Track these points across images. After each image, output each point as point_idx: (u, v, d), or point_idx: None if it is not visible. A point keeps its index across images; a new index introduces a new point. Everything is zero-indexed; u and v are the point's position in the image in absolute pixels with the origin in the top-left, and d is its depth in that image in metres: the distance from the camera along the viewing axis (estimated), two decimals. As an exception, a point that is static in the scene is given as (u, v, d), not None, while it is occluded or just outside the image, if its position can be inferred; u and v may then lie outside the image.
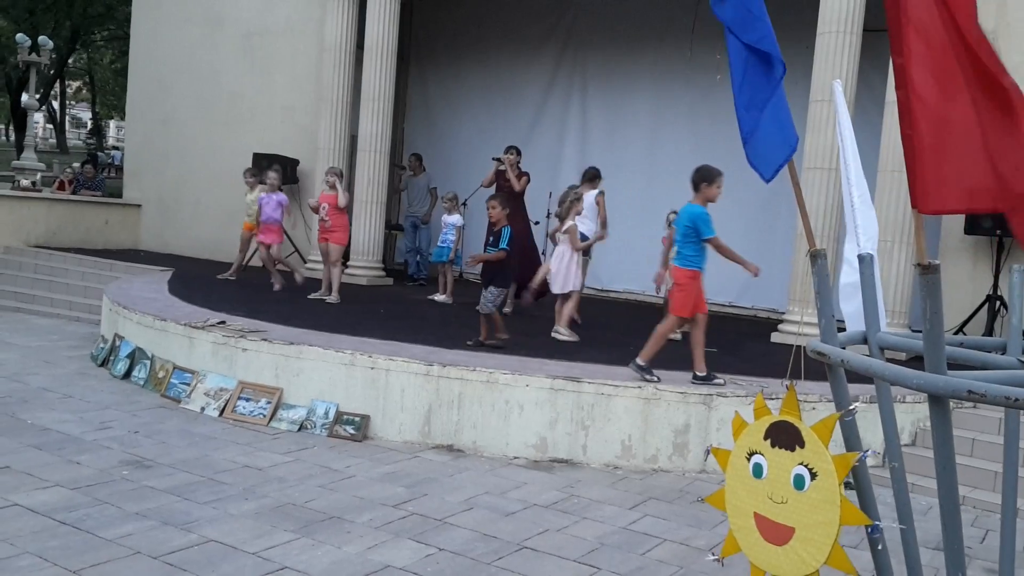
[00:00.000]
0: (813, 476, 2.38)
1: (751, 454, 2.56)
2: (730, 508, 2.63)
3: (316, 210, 9.39)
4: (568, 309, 7.73)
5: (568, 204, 7.67)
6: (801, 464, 2.41)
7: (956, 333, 7.78)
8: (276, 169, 10.24)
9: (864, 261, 2.92)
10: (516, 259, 7.86)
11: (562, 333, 7.63)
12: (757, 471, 2.53)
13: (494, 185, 9.72)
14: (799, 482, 2.41)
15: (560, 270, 7.61)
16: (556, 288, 7.69)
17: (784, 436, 2.46)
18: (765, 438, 2.52)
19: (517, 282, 8.77)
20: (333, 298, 9.06)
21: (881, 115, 8.05)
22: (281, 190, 10.01)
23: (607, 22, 12.41)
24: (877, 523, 2.44)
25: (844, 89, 7.18)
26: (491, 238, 7.22)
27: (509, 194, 9.06)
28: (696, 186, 6.08)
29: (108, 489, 4.72)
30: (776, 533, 2.46)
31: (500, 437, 5.96)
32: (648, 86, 12.09)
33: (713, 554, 2.80)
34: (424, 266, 11.89)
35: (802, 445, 2.41)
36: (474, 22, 13.59)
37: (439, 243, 10.21)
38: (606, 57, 12.45)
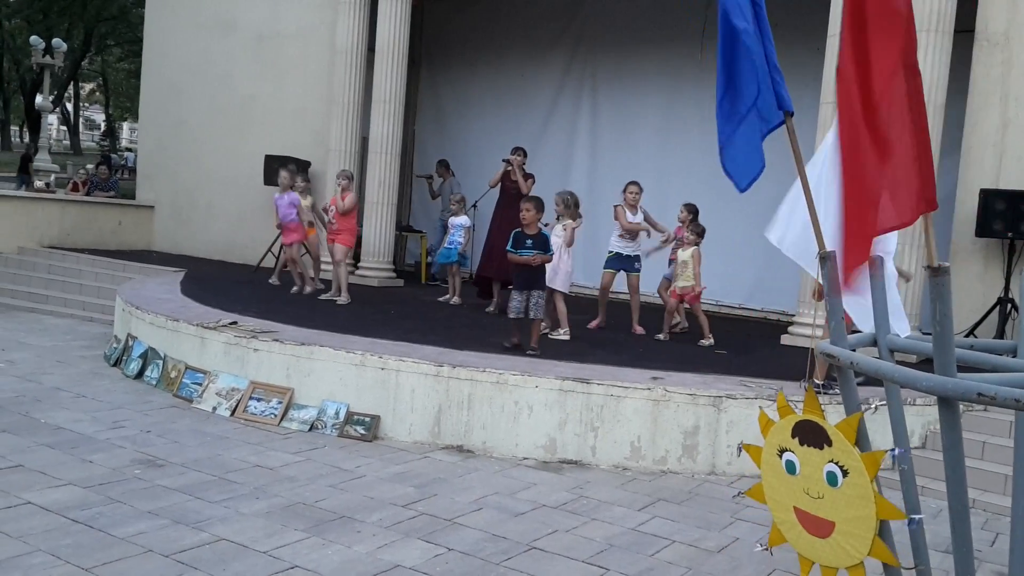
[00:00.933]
0: (845, 473, 2.40)
1: (782, 451, 2.60)
2: (770, 502, 2.69)
3: (326, 211, 9.52)
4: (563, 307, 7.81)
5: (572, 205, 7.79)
6: (832, 462, 2.44)
7: (967, 336, 7.74)
8: (290, 169, 10.20)
9: (875, 263, 2.92)
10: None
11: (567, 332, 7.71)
12: (790, 467, 2.58)
13: (499, 186, 9.77)
14: (832, 479, 2.44)
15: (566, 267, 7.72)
16: (563, 285, 7.75)
17: (811, 435, 2.50)
18: (793, 436, 2.56)
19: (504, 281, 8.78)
20: (343, 299, 9.11)
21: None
22: (294, 189, 9.98)
23: (617, 24, 12.41)
24: (913, 517, 2.45)
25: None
26: (529, 240, 6.94)
27: (514, 195, 9.08)
28: None
29: (120, 488, 4.75)
30: (818, 526, 2.51)
31: (510, 438, 5.98)
32: (659, 88, 12.08)
33: (761, 544, 2.83)
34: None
35: (830, 444, 2.45)
36: (484, 25, 13.62)
37: (446, 244, 10.20)
38: (616, 59, 12.45)
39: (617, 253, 8.54)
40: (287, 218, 9.78)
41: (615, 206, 8.56)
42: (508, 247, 7.09)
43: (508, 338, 7.01)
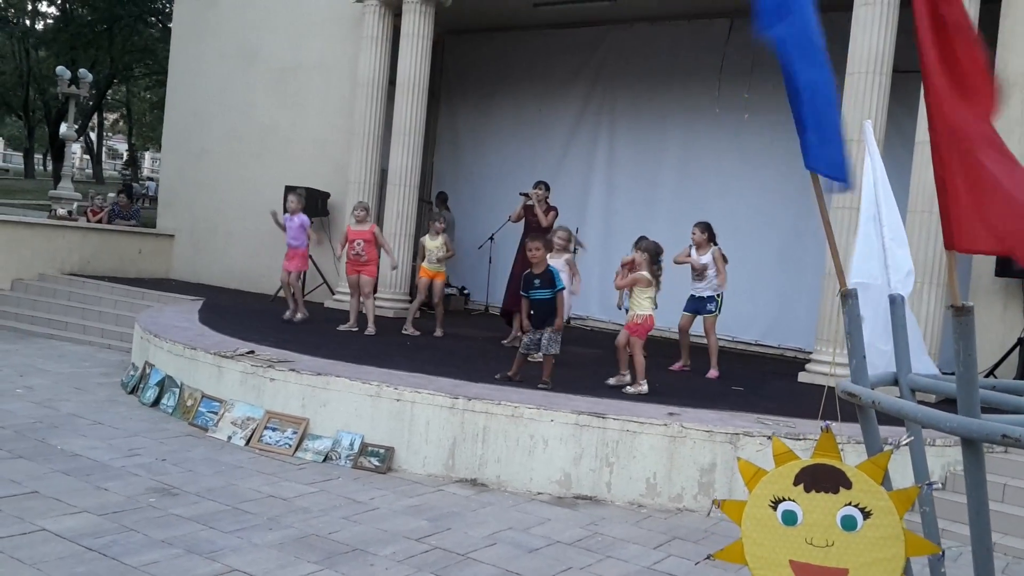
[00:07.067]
0: (867, 515, 2.31)
1: (777, 502, 2.47)
2: (754, 560, 2.51)
3: (343, 244, 9.51)
4: None
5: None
6: (850, 505, 2.34)
7: (987, 376, 7.66)
8: (299, 193, 10.19)
9: (895, 302, 2.90)
10: None
11: None
12: (789, 518, 2.43)
13: (522, 220, 9.77)
14: (849, 523, 2.32)
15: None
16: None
17: (824, 480, 2.36)
18: (796, 483, 2.43)
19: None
20: (370, 330, 9.13)
21: (911, 155, 8.02)
22: (304, 212, 9.92)
23: (636, 60, 12.51)
24: (944, 550, 2.37)
25: (874, 129, 7.17)
26: (536, 280, 7.02)
27: (536, 229, 9.10)
28: None
29: (135, 516, 4.75)
30: None
31: (524, 472, 5.94)
32: (676, 124, 12.14)
33: None
34: None
35: (848, 486, 2.34)
36: (503, 59, 13.76)
37: None
38: (634, 95, 12.54)
39: (690, 294, 8.48)
40: (297, 241, 9.78)
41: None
42: (520, 290, 7.18)
43: (507, 369, 7.06)
